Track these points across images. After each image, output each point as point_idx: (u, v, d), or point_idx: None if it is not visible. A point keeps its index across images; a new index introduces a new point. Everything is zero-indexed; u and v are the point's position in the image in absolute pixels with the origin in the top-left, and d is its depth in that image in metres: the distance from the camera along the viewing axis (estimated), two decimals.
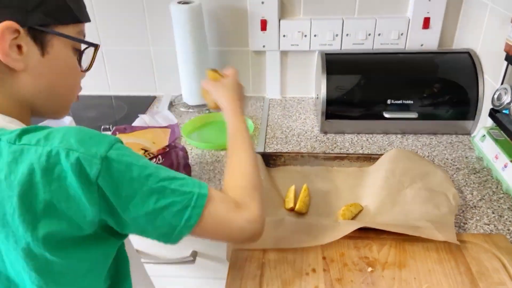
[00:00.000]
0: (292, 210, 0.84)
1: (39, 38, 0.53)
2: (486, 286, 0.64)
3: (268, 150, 1.07)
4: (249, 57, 1.32)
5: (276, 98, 1.37)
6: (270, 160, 0.98)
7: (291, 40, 1.26)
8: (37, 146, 0.47)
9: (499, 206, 0.84)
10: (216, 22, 1.26)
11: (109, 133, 0.88)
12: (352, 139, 1.11)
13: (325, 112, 1.10)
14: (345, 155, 0.98)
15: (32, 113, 0.58)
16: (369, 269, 0.68)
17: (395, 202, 0.82)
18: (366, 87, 1.12)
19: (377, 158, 0.96)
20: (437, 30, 1.22)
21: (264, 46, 1.28)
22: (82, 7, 0.59)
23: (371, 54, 1.21)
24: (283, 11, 1.24)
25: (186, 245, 0.91)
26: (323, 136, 1.13)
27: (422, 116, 1.09)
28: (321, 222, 0.76)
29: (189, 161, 0.97)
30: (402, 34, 1.23)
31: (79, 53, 0.58)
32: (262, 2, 1.21)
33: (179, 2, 1.17)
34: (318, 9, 1.23)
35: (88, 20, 0.61)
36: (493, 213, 0.83)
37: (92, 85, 1.37)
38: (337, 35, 1.24)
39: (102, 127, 1.14)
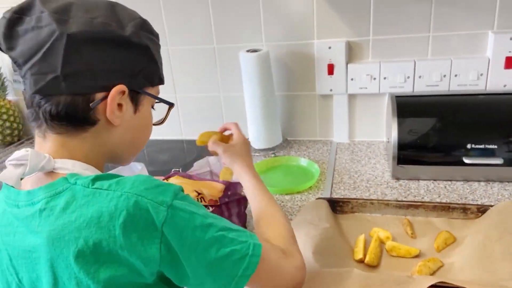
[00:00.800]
0: (361, 261, 0.78)
1: (135, 98, 0.59)
2: None
3: (334, 195, 1.03)
4: (316, 101, 1.31)
5: (344, 142, 1.33)
6: (337, 206, 0.94)
7: (359, 83, 1.24)
8: (108, 191, 0.49)
9: None
10: (283, 67, 1.28)
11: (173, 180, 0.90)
12: (427, 186, 1.03)
13: (396, 157, 1.04)
14: (420, 203, 0.90)
15: (108, 160, 0.61)
16: None
17: (480, 258, 0.72)
18: (442, 131, 1.04)
19: (457, 208, 0.87)
20: None
21: (331, 90, 1.27)
22: (162, 70, 0.64)
23: (447, 96, 1.14)
24: (351, 55, 1.23)
25: None
26: (395, 182, 1.06)
27: (509, 162, 0.98)
28: (393, 277, 0.69)
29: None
30: (481, 75, 1.15)
31: (170, 104, 0.66)
32: (329, 47, 1.22)
33: (248, 51, 1.21)
34: (388, 52, 1.20)
35: (164, 82, 0.65)
36: None
37: (166, 130, 1.45)
38: (408, 77, 1.19)
39: (173, 170, 1.18)
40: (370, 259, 0.77)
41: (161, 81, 0.63)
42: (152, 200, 0.48)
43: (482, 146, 0.99)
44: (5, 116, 1.46)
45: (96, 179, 0.51)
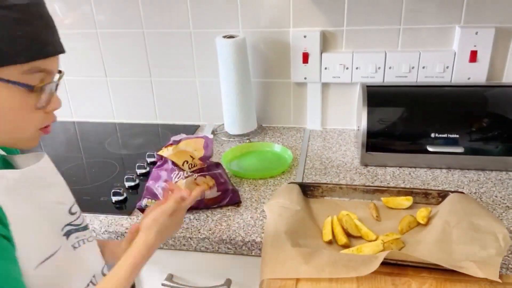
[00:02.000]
0: (330, 243, 0.82)
1: None
2: None
3: (306, 180, 1.06)
4: (291, 89, 1.34)
5: (316, 129, 1.37)
6: (308, 190, 0.98)
7: (332, 72, 1.27)
8: None
9: None
10: (259, 54, 1.30)
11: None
12: (393, 172, 1.08)
13: (365, 144, 1.08)
14: (385, 188, 0.95)
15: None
16: None
17: (439, 241, 0.78)
18: (409, 120, 1.10)
19: (419, 193, 0.93)
20: (485, 63, 1.18)
21: (305, 78, 1.30)
22: (30, 43, 0.55)
23: (415, 87, 1.19)
24: (325, 45, 1.27)
25: (219, 274, 0.91)
26: (364, 168, 1.11)
27: (469, 151, 1.04)
28: (358, 255, 0.74)
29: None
30: (447, 67, 1.21)
31: (40, 90, 0.57)
32: (305, 36, 1.24)
33: (224, 36, 1.22)
34: (360, 42, 1.24)
35: (39, 55, 0.56)
36: None
37: (140, 114, 1.45)
38: (379, 68, 1.24)
39: (147, 153, 1.19)
40: (338, 239, 0.81)
41: (8, 60, 0.54)
42: None
43: (445, 136, 1.05)
44: None
45: None
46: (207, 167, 0.96)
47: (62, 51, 0.60)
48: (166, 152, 0.94)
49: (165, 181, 0.92)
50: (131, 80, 1.40)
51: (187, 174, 0.92)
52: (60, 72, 0.62)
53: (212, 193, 0.94)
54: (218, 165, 1.00)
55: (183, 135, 0.96)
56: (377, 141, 1.09)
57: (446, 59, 1.20)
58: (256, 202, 0.98)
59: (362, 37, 1.23)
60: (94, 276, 0.67)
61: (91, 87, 1.45)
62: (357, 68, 1.25)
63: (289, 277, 0.71)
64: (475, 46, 1.17)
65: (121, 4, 1.30)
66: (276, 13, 1.24)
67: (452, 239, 0.77)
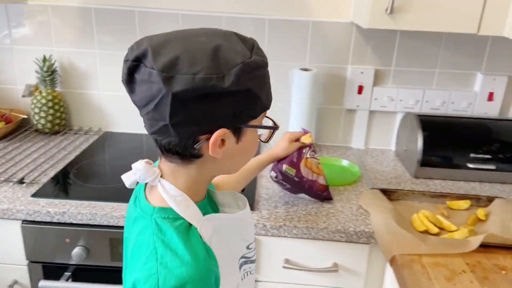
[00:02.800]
0: (423, 232, 1.08)
1: (237, 132, 0.63)
2: None
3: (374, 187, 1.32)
4: (341, 114, 1.62)
5: (360, 147, 1.64)
6: (386, 194, 1.24)
7: (380, 102, 1.57)
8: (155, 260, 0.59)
9: None
10: (321, 85, 1.57)
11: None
12: (440, 183, 1.38)
13: (420, 161, 1.38)
14: (447, 194, 1.25)
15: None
16: (503, 272, 0.92)
17: (503, 229, 1.07)
18: (452, 143, 1.41)
19: (473, 198, 1.23)
20: (499, 102, 1.54)
21: (358, 106, 1.58)
22: (270, 95, 0.65)
23: (451, 117, 1.51)
24: (376, 80, 1.56)
25: (327, 256, 1.13)
26: (416, 180, 1.40)
27: (500, 168, 1.37)
28: (455, 239, 1.01)
29: None
30: (470, 104, 1.55)
31: (274, 128, 0.69)
32: (362, 72, 1.53)
33: (300, 69, 1.48)
34: (404, 80, 1.56)
35: (269, 107, 0.66)
36: None
37: None
38: (418, 101, 1.56)
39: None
40: (430, 229, 1.07)
41: (264, 108, 0.64)
42: None
43: (480, 155, 1.37)
44: (56, 107, 1.53)
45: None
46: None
47: None
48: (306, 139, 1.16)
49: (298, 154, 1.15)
50: None
51: (314, 154, 1.18)
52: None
53: (322, 181, 1.18)
54: None
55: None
56: (428, 159, 1.38)
57: (470, 97, 1.54)
58: (347, 201, 1.22)
59: (406, 76, 1.55)
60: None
61: None
62: (400, 100, 1.56)
63: (414, 252, 0.96)
64: (492, 89, 1.53)
65: None
66: (338, 52, 1.53)
67: (510, 227, 1.07)
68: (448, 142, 1.41)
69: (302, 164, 1.15)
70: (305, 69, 1.49)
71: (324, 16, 1.49)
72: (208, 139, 0.60)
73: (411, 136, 1.44)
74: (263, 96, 0.63)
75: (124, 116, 1.65)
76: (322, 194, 1.20)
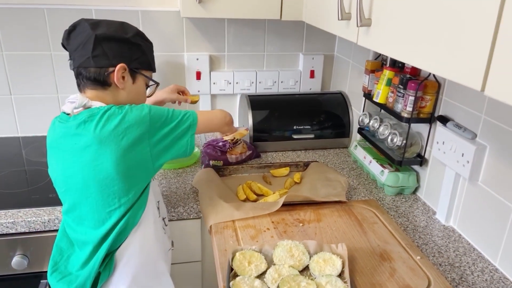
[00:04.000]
0: (244, 200, 1.21)
1: (133, 74, 0.98)
2: (367, 225, 1.10)
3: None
4: None
5: None
6: (219, 171, 1.35)
7: (219, 86, 1.68)
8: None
9: (369, 187, 1.34)
10: (160, 73, 1.62)
11: None
12: (272, 155, 1.55)
13: (253, 137, 1.52)
14: (271, 164, 1.40)
15: None
16: (301, 224, 1.09)
17: (309, 189, 1.25)
18: (279, 118, 1.58)
19: (293, 164, 1.40)
20: (319, 78, 1.76)
21: (199, 91, 1.67)
22: (154, 63, 1.05)
23: (278, 95, 1.68)
24: (212, 65, 1.66)
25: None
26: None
27: (317, 137, 1.58)
28: (266, 202, 1.16)
29: None
30: (297, 82, 1.74)
31: (147, 86, 1.04)
32: (197, 59, 1.62)
33: None
34: (238, 64, 1.68)
35: (155, 70, 1.05)
36: (366, 190, 1.31)
37: None
38: (252, 82, 1.70)
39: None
40: (250, 197, 1.21)
41: (150, 68, 1.02)
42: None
43: (301, 127, 1.56)
44: None
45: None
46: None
47: None
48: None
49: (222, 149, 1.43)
50: None
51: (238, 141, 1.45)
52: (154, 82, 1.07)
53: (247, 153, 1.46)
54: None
55: None
56: (260, 135, 1.53)
57: (296, 76, 1.73)
58: (183, 183, 1.31)
59: (239, 60, 1.67)
60: (158, 202, 1.04)
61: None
62: (237, 82, 1.69)
63: (228, 220, 1.08)
64: (312, 67, 1.73)
65: None
66: (173, 41, 1.58)
67: (317, 186, 1.26)
68: (275, 117, 1.58)
69: (228, 155, 1.43)
70: None
71: (153, 5, 1.53)
72: (113, 71, 0.93)
73: (245, 116, 1.58)
74: (150, 58, 1.02)
75: None
76: (250, 158, 1.48)
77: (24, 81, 1.52)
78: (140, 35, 0.99)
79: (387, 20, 0.82)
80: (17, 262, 1.11)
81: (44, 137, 1.53)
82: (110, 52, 0.92)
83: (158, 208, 1.03)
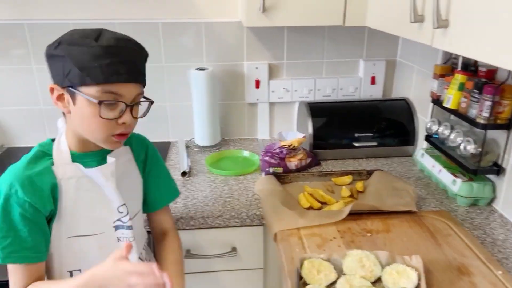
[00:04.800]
0: (308, 208, 1.19)
1: (70, 93, 0.79)
2: (441, 237, 1.04)
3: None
4: (245, 108, 1.71)
5: (265, 138, 1.75)
6: (280, 179, 1.34)
7: (277, 94, 1.68)
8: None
9: (439, 197, 1.27)
10: (221, 82, 1.65)
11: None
12: (332, 163, 1.51)
13: (312, 144, 1.50)
14: (333, 172, 1.37)
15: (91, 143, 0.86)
16: (368, 234, 1.05)
17: (375, 198, 1.21)
18: (339, 126, 1.55)
19: (355, 173, 1.36)
20: (381, 85, 1.71)
21: (257, 99, 1.68)
22: (104, 71, 0.76)
23: (338, 102, 1.65)
24: (271, 74, 1.67)
25: (225, 242, 1.21)
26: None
27: (379, 144, 1.53)
28: (331, 210, 1.13)
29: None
30: (357, 88, 1.70)
31: (100, 104, 0.78)
32: (256, 68, 1.63)
33: (196, 69, 1.55)
34: (296, 72, 1.68)
35: (108, 81, 0.77)
36: (436, 201, 1.25)
37: None
38: (311, 90, 1.68)
39: None
40: (314, 205, 1.19)
41: (86, 81, 0.76)
42: None
43: (363, 135, 1.52)
44: None
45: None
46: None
47: (130, 80, 0.80)
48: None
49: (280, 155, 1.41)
50: None
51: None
52: (147, 99, 0.87)
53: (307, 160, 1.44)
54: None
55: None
56: (319, 142, 1.51)
57: (356, 82, 1.70)
58: (244, 189, 1.31)
59: (298, 68, 1.67)
60: None
61: None
62: (295, 90, 1.68)
63: (293, 227, 1.06)
64: (373, 73, 1.69)
65: None
66: (233, 50, 1.61)
67: (383, 196, 1.21)
68: (335, 125, 1.55)
69: (286, 161, 1.40)
70: (202, 69, 1.55)
71: (214, 17, 1.57)
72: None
73: (304, 123, 1.56)
74: (80, 68, 0.76)
75: (26, 130, 1.62)
76: (310, 166, 1.46)
77: None
78: (72, 42, 0.77)
79: (468, 21, 0.77)
80: None
81: None
82: (51, 72, 0.82)
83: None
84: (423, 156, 1.42)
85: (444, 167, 1.30)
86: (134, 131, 0.90)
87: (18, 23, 1.50)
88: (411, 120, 1.54)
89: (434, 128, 1.34)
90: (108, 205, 0.88)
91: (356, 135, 1.52)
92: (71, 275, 0.87)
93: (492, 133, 1.18)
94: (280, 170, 1.39)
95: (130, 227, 0.91)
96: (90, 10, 1.51)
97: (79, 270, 0.87)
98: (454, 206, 1.22)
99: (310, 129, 1.50)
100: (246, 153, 1.56)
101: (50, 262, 0.87)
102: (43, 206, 0.81)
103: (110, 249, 0.81)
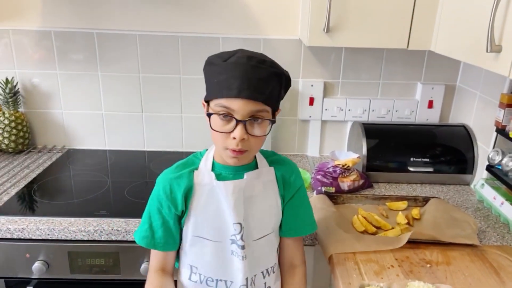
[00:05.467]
0: (362, 232, 1.17)
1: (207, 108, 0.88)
2: (505, 274, 0.99)
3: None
4: (296, 124, 1.71)
5: (315, 155, 1.74)
6: (332, 199, 1.33)
7: (331, 112, 1.67)
8: None
9: (501, 231, 1.21)
10: None
11: None
12: (385, 186, 1.49)
13: (365, 166, 1.48)
14: (387, 196, 1.35)
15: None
16: (428, 265, 1.02)
17: (433, 228, 1.17)
18: (394, 149, 1.52)
19: (411, 199, 1.33)
20: (438, 109, 1.67)
21: (310, 116, 1.68)
22: (220, 86, 0.82)
23: (394, 125, 1.63)
24: (326, 92, 1.67)
25: None
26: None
27: (435, 171, 1.48)
28: (388, 237, 1.11)
29: None
30: (412, 111, 1.67)
31: (210, 117, 0.85)
32: (312, 85, 1.64)
33: None
34: (351, 91, 1.67)
35: (222, 95, 0.82)
36: (497, 235, 1.19)
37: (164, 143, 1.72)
38: (365, 110, 1.67)
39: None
40: (369, 229, 1.17)
41: (209, 96, 0.86)
42: None
43: (419, 159, 1.49)
44: (19, 127, 1.58)
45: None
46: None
47: (241, 96, 0.80)
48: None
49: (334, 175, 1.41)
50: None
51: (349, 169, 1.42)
52: (266, 118, 0.86)
53: (360, 182, 1.43)
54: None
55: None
56: (373, 164, 1.49)
57: (412, 105, 1.66)
58: None
59: (353, 87, 1.66)
60: (232, 282, 0.93)
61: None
62: (349, 110, 1.67)
63: (348, 251, 1.05)
64: (431, 97, 1.65)
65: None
66: (289, 67, 1.62)
67: (441, 225, 1.17)
68: (390, 147, 1.53)
69: (339, 181, 1.40)
70: None
71: (274, 34, 1.59)
72: None
73: (357, 144, 1.55)
74: (207, 84, 0.87)
75: (87, 133, 1.70)
76: (363, 188, 1.45)
77: (154, 100, 1.67)
78: (210, 60, 0.87)
79: None
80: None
81: (166, 153, 1.68)
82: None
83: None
84: (483, 187, 1.37)
85: (507, 200, 1.24)
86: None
87: (88, 32, 1.58)
88: (470, 148, 1.49)
89: (497, 158, 1.29)
90: (228, 218, 0.92)
91: (411, 159, 1.49)
92: (191, 269, 0.96)
93: None
94: (332, 190, 1.38)
95: (241, 246, 0.92)
96: (155, 23, 1.57)
97: (197, 267, 0.95)
98: None
99: (364, 150, 1.49)
100: None
101: (180, 252, 0.98)
102: (175, 206, 0.91)
103: (224, 258, 0.93)
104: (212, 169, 0.93)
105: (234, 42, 1.59)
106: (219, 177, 0.92)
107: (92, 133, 1.70)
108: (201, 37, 1.58)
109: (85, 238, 1.15)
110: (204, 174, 0.92)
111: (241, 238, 0.91)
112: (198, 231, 0.93)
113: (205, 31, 1.58)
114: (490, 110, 1.39)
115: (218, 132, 0.84)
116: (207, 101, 0.88)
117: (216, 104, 0.84)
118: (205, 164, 0.93)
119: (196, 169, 0.93)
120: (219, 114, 0.83)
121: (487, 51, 0.91)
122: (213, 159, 0.94)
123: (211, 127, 0.85)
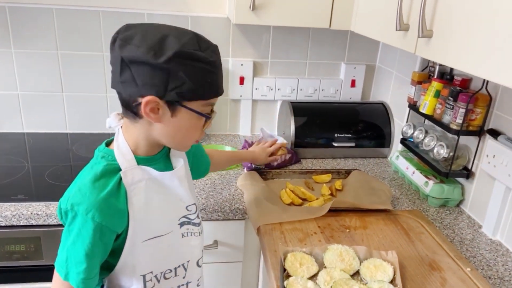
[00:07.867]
0: (289, 204, 1.23)
1: (171, 106, 0.75)
2: (414, 235, 1.10)
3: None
4: (228, 104, 1.73)
5: (247, 134, 1.78)
6: (262, 175, 1.38)
7: (261, 92, 1.71)
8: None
9: (412, 198, 1.34)
10: None
11: None
12: (312, 161, 1.56)
13: (293, 143, 1.54)
14: (313, 170, 1.42)
15: (163, 146, 0.85)
16: (347, 230, 1.10)
17: (353, 197, 1.26)
18: (319, 126, 1.60)
19: (335, 171, 1.41)
20: (360, 88, 1.77)
21: (241, 96, 1.70)
22: (212, 87, 0.77)
23: (320, 103, 1.70)
24: (256, 71, 1.70)
25: (207, 236, 1.23)
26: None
27: (357, 145, 1.58)
28: (312, 207, 1.17)
29: None
30: (337, 90, 1.76)
31: (207, 119, 0.80)
32: (241, 64, 1.65)
33: None
34: (280, 71, 1.71)
35: (215, 95, 0.78)
36: (409, 201, 1.31)
37: None
38: (294, 90, 1.72)
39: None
40: (295, 201, 1.23)
41: (199, 97, 0.76)
42: None
43: (342, 135, 1.58)
44: None
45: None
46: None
47: (221, 93, 0.80)
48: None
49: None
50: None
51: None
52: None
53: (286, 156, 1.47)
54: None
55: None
56: (300, 141, 1.55)
57: (337, 84, 1.75)
58: (227, 184, 1.33)
59: (282, 67, 1.70)
60: (188, 262, 0.90)
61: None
62: (278, 89, 1.71)
63: (276, 221, 1.10)
64: (354, 76, 1.75)
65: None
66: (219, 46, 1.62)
67: (360, 194, 1.26)
68: (317, 125, 1.60)
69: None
70: None
71: (202, 11, 1.58)
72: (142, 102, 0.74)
73: (286, 122, 1.60)
74: (195, 84, 0.73)
75: (1, 115, 1.58)
76: (290, 163, 1.49)
77: (76, 79, 1.59)
78: (182, 55, 0.71)
79: (451, 32, 0.83)
80: None
81: (91, 135, 1.61)
82: (139, 79, 0.72)
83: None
84: (398, 158, 1.49)
85: (417, 169, 1.37)
86: None
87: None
88: (387, 124, 1.61)
89: (410, 132, 1.41)
90: (175, 204, 0.87)
91: (335, 135, 1.58)
92: (144, 278, 0.84)
93: (464, 139, 1.25)
94: (262, 166, 1.42)
95: (197, 224, 0.91)
96: None
97: (151, 272, 0.85)
98: (425, 206, 1.29)
99: (292, 128, 1.54)
100: (228, 149, 1.58)
101: (123, 268, 0.83)
102: (121, 225, 0.78)
103: (178, 243, 0.87)
104: (138, 163, 0.81)
105: (160, 19, 1.55)
106: (156, 168, 0.83)
107: (8, 116, 1.58)
108: (124, 13, 1.53)
109: (3, 224, 1.09)
110: (133, 172, 0.79)
111: (198, 216, 0.91)
112: (147, 234, 0.82)
113: (128, 6, 1.53)
114: (405, 87, 1.50)
115: (199, 129, 0.81)
116: (178, 101, 0.75)
117: (205, 104, 0.78)
118: (126, 162, 0.79)
119: (119, 170, 0.79)
120: (211, 113, 0.80)
121: (396, 29, 0.99)
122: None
123: (202, 128, 0.81)
